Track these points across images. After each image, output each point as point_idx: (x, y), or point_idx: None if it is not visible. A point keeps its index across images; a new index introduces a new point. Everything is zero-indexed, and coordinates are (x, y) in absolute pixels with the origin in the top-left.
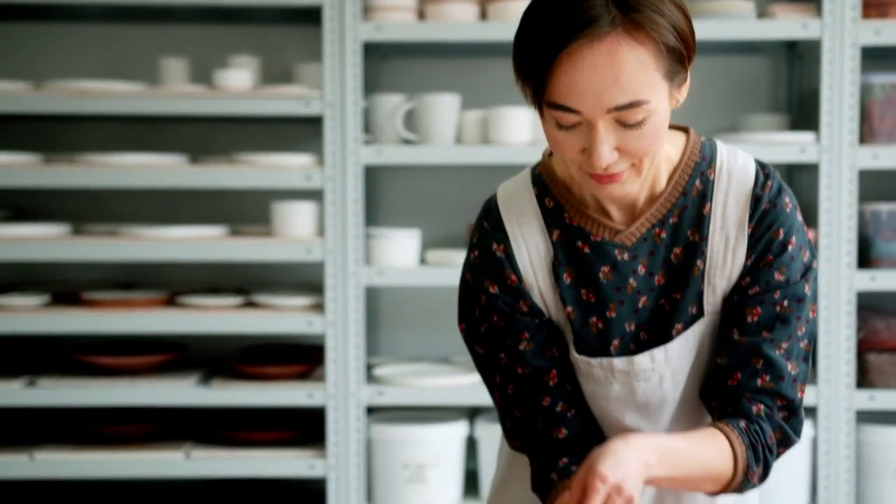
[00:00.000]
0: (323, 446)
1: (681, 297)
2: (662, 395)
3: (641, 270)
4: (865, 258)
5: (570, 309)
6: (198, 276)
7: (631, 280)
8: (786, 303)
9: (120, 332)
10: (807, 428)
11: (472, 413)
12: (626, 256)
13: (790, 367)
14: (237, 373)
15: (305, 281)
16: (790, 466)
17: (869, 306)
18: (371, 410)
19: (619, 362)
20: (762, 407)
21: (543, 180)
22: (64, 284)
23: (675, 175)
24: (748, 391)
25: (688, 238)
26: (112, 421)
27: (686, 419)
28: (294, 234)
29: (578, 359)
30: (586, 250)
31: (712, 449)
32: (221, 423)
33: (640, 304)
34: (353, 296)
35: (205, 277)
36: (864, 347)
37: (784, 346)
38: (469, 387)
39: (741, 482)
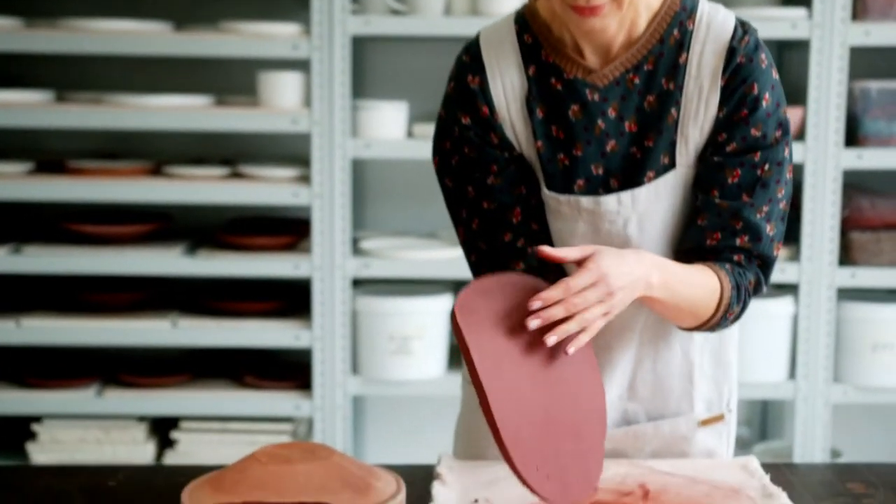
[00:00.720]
0: (309, 317)
1: (653, 145)
2: (626, 239)
3: (611, 114)
4: (853, 136)
5: (540, 143)
6: (183, 146)
7: (599, 121)
8: (766, 166)
9: (105, 201)
10: (788, 304)
11: (457, 286)
12: (596, 97)
13: (769, 229)
14: (223, 243)
15: (291, 153)
16: (770, 341)
17: (854, 185)
18: (357, 283)
19: (585, 201)
20: (742, 257)
21: (525, 18)
22: (47, 153)
23: (654, 22)
24: (727, 249)
25: (662, 86)
26: (98, 289)
27: None
28: (280, 104)
29: (548, 195)
30: (559, 87)
31: (705, 286)
32: (207, 293)
33: (609, 148)
34: (340, 168)
35: (190, 148)
36: (848, 226)
37: (764, 209)
38: (455, 260)
39: (719, 320)
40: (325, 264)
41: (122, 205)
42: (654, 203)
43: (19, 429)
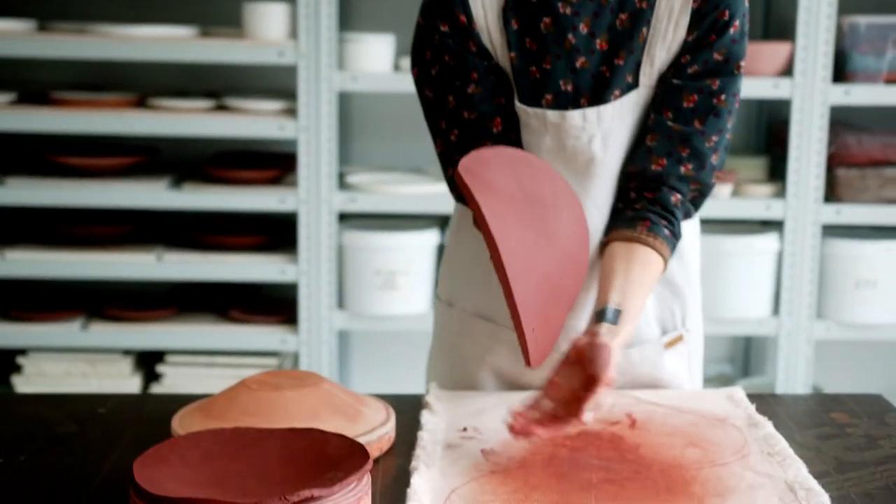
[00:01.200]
0: (295, 252)
1: (623, 63)
2: (590, 155)
3: (583, 29)
4: (841, 72)
5: (513, 54)
6: (167, 78)
7: (570, 36)
8: (723, 96)
9: (90, 133)
10: (772, 240)
11: (443, 221)
12: (568, 11)
13: (713, 158)
14: (209, 177)
15: (277, 86)
16: (755, 278)
17: (841, 121)
18: (343, 217)
19: (552, 115)
20: (680, 197)
21: None
22: (30, 84)
23: None
24: (671, 177)
25: (635, 4)
26: (83, 222)
27: (609, 185)
28: (266, 36)
29: (519, 107)
30: None
31: (653, 278)
32: (193, 227)
33: (578, 65)
34: (326, 101)
35: (174, 80)
36: (834, 162)
37: (714, 138)
38: (441, 195)
39: None
40: (312, 198)
41: (106, 136)
42: (618, 121)
43: (4, 361)
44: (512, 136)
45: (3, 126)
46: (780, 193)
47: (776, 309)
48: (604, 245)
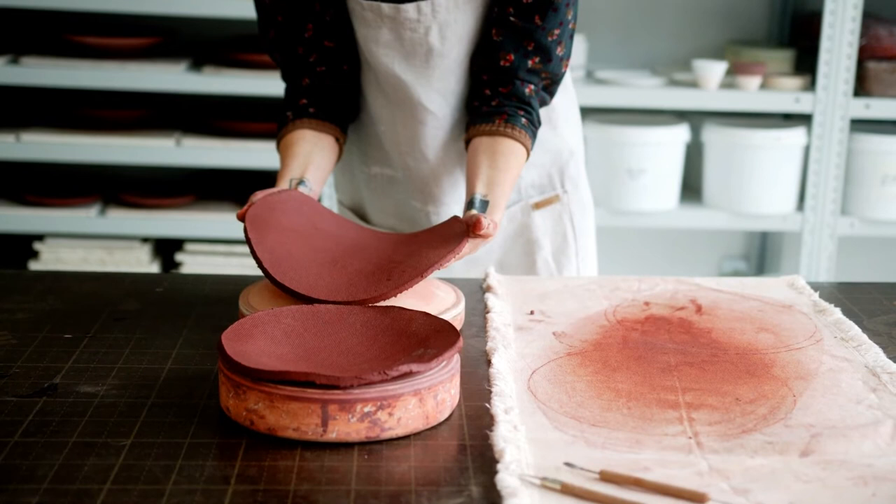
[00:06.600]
0: None
1: None
2: (428, 48)
3: None
4: None
5: None
6: None
7: None
8: None
9: (106, 10)
10: (800, 135)
11: None
12: None
13: (559, 50)
14: (229, 60)
15: None
16: (781, 173)
17: (872, 13)
18: None
19: (387, 8)
20: (532, 87)
21: None
22: None
23: None
24: (521, 71)
25: None
26: (100, 104)
27: (452, 75)
28: None
29: (353, 1)
30: None
31: (517, 166)
32: (212, 111)
33: None
34: None
35: None
36: (865, 55)
37: (556, 32)
38: None
39: None
40: None
41: (121, 15)
42: (454, 13)
43: (20, 247)
44: (326, 42)
45: (18, 1)
46: (810, 87)
47: (801, 205)
48: (467, 142)
